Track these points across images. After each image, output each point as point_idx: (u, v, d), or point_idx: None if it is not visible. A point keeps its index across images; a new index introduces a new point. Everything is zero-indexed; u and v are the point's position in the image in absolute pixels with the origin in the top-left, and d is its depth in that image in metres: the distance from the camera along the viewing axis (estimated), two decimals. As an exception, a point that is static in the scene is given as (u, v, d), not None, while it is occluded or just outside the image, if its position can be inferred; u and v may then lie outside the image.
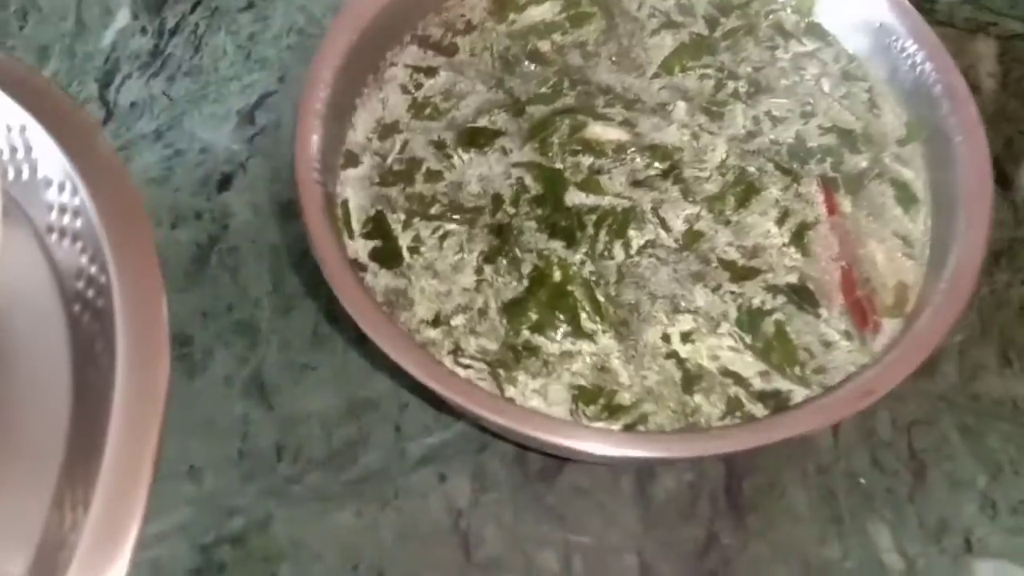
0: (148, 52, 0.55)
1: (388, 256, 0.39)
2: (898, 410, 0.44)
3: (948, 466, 0.44)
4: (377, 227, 0.40)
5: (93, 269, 0.30)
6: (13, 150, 0.32)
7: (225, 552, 0.40)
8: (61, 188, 0.31)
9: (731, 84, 0.44)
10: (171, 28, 0.56)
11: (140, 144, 0.51)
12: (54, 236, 0.32)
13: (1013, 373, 0.46)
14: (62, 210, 0.31)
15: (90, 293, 0.30)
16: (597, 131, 0.42)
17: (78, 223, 0.30)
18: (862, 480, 0.43)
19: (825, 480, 0.43)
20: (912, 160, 0.42)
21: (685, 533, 0.42)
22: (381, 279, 0.39)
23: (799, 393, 0.36)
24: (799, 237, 0.40)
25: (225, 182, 0.49)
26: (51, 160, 0.31)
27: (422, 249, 0.39)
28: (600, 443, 0.32)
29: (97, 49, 0.55)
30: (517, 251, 0.39)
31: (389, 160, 0.41)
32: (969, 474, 0.43)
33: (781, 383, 0.37)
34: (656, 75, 0.44)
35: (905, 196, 0.41)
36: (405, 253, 0.39)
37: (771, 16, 0.46)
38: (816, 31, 0.46)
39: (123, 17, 0.56)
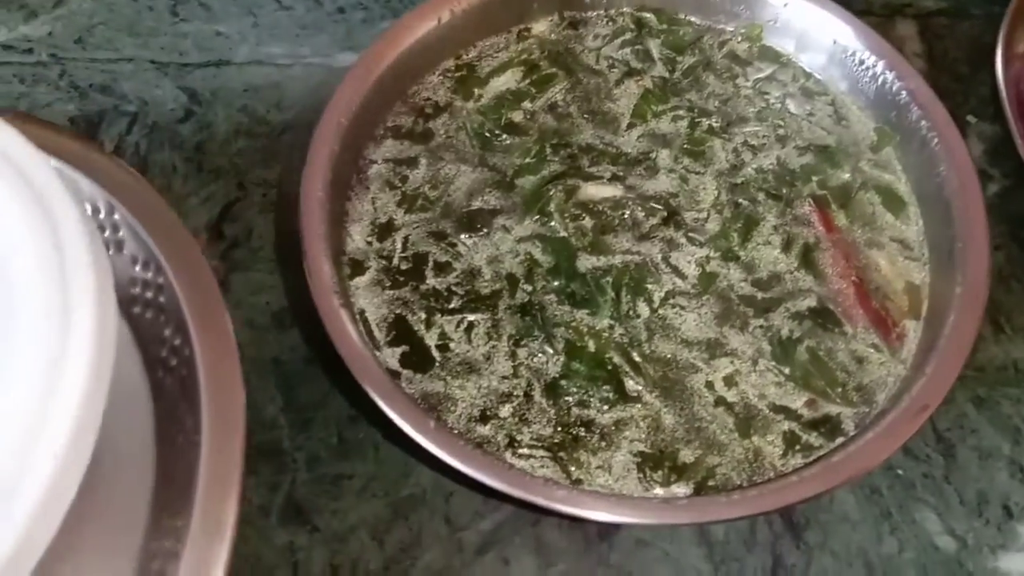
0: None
1: (419, 360, 0.39)
2: (918, 398, 0.46)
3: (972, 440, 0.46)
4: (400, 332, 0.39)
5: (177, 341, 0.34)
6: (102, 229, 0.35)
7: None
8: (145, 266, 0.35)
9: (704, 121, 0.45)
10: (111, 152, 0.54)
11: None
12: (137, 308, 0.36)
13: (1008, 338, 0.49)
14: (145, 285, 0.36)
15: (173, 361, 0.34)
16: (591, 191, 0.43)
17: (161, 298, 0.35)
18: (900, 472, 0.45)
19: (867, 479, 0.44)
20: (889, 164, 0.44)
21: (752, 562, 0.42)
22: (417, 385, 0.38)
23: (847, 414, 0.38)
24: (807, 260, 0.41)
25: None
26: (136, 240, 0.36)
27: (451, 345, 0.39)
28: (690, 512, 0.33)
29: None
30: (546, 328, 0.39)
31: (395, 260, 0.41)
32: (993, 444, 0.46)
33: (828, 408, 0.38)
34: (631, 125, 0.45)
35: (892, 201, 0.43)
36: (435, 353, 0.39)
37: (724, 47, 0.48)
38: (769, 54, 0.48)
39: (57, 150, 0.54)
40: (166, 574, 0.29)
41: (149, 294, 0.36)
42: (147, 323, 0.36)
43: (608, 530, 0.43)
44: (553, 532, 0.43)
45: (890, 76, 0.43)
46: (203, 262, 0.35)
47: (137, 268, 0.36)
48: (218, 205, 0.52)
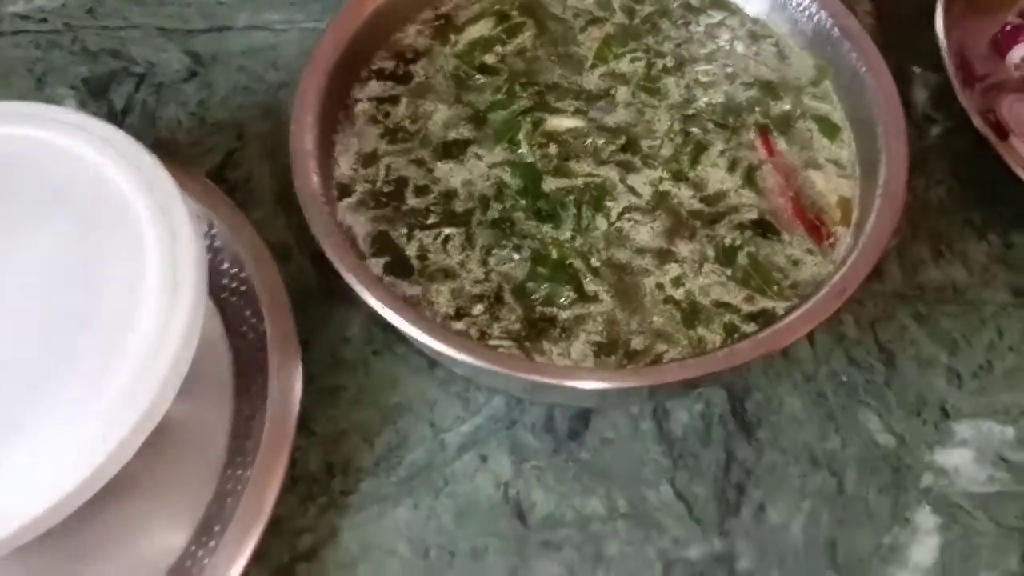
0: (105, 135, 0.57)
1: (400, 268, 0.43)
2: (860, 312, 0.51)
3: (912, 351, 0.50)
4: (383, 245, 0.44)
5: (253, 320, 0.45)
6: (205, 237, 0.46)
7: (302, 570, 0.43)
8: (232, 264, 0.47)
9: (660, 62, 0.50)
10: (122, 109, 0.59)
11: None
12: (225, 295, 0.47)
13: (947, 262, 0.53)
14: (232, 278, 0.47)
15: (251, 336, 0.45)
16: (556, 123, 0.47)
17: (243, 288, 0.46)
18: (844, 378, 0.49)
19: (813, 385, 0.49)
20: (826, 96, 0.48)
21: (707, 457, 0.47)
22: (399, 288, 0.43)
23: (780, 306, 0.42)
24: (750, 179, 0.46)
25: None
26: (227, 246, 0.47)
27: (429, 256, 0.43)
28: (636, 379, 0.37)
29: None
30: (514, 239, 0.44)
31: (378, 184, 0.45)
32: (932, 354, 0.50)
33: (765, 303, 0.42)
34: (594, 66, 0.50)
35: (827, 127, 0.47)
36: (415, 262, 0.43)
37: (679, -3, 0.52)
38: (720, 3, 0.52)
39: (70, 107, 0.59)
40: (230, 504, 0.41)
41: (234, 285, 0.46)
42: (232, 306, 0.46)
43: (577, 430, 0.47)
44: (526, 434, 0.47)
45: (824, 15, 0.47)
46: (273, 265, 0.46)
47: (225, 266, 0.47)
48: (220, 154, 0.56)
